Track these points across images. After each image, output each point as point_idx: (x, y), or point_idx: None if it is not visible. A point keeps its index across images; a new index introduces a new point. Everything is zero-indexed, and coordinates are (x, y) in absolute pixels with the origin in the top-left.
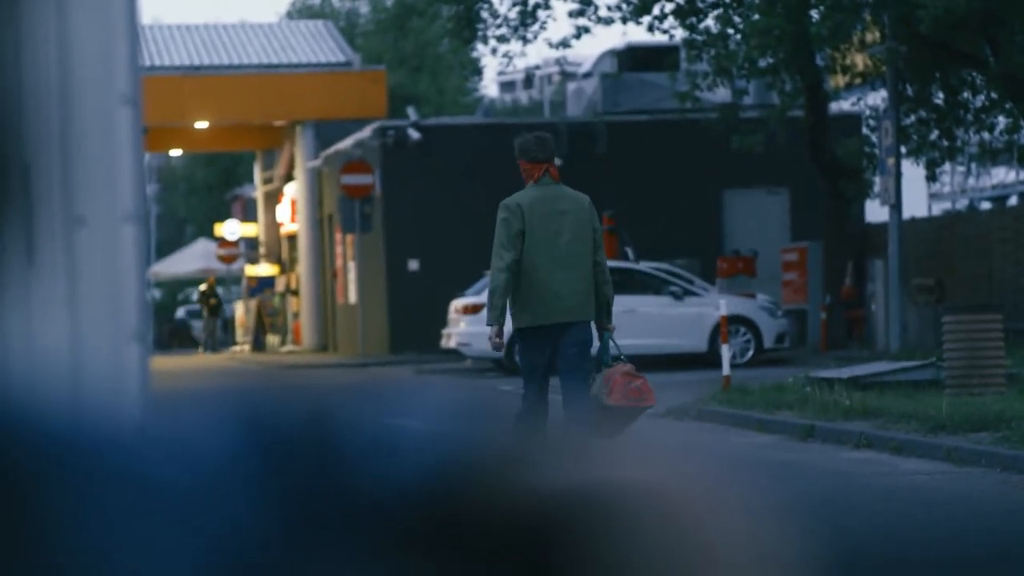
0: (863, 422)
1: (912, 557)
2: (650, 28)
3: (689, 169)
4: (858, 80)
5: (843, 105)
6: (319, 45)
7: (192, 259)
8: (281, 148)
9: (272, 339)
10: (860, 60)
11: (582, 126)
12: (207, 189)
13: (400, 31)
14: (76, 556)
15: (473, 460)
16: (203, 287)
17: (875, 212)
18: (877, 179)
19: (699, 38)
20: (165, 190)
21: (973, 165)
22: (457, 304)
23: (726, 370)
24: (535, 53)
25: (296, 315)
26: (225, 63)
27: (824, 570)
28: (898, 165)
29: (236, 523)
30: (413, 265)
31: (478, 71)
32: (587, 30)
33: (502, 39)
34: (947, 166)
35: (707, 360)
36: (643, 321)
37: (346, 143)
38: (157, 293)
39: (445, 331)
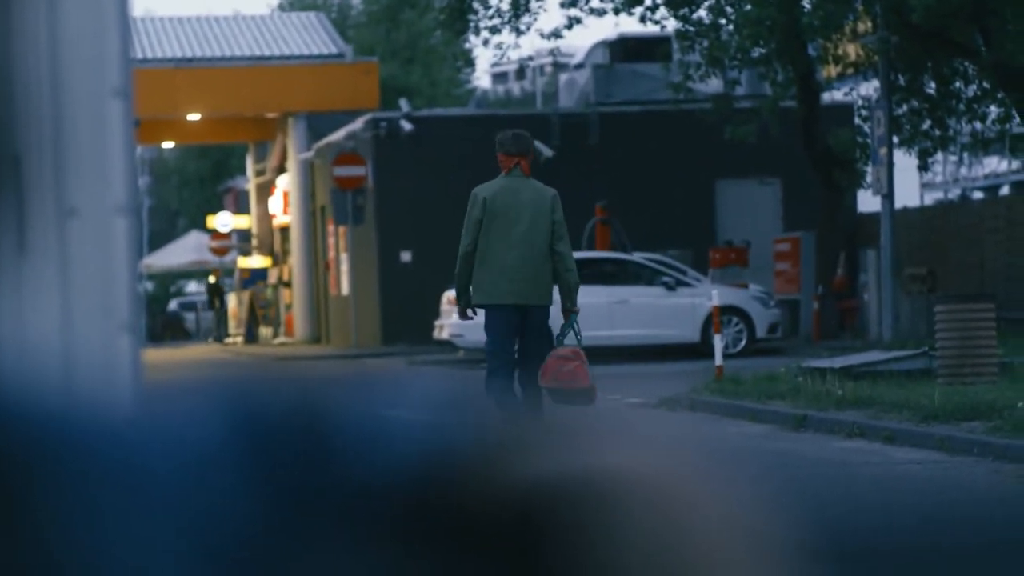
0: (855, 411)
1: (904, 546)
2: (642, 19)
3: (681, 160)
4: (850, 70)
5: (835, 95)
6: (311, 37)
7: (184, 251)
8: (273, 140)
9: (265, 331)
10: (852, 50)
11: (575, 117)
12: (199, 181)
13: (392, 23)
14: (68, 546)
15: (465, 450)
16: (211, 279)
17: (867, 202)
18: (869, 169)
19: (691, 28)
20: (157, 182)
21: (965, 155)
22: (449, 295)
23: (719, 360)
24: (527, 44)
25: (289, 307)
26: (217, 55)
27: (816, 559)
28: (890, 155)
29: (228, 513)
30: (405, 257)
31: (470, 62)
32: (579, 21)
33: (494, 30)
34: (939, 156)
35: (700, 350)
36: (636, 311)
37: (338, 135)
38: (150, 285)
39: (437, 322)
